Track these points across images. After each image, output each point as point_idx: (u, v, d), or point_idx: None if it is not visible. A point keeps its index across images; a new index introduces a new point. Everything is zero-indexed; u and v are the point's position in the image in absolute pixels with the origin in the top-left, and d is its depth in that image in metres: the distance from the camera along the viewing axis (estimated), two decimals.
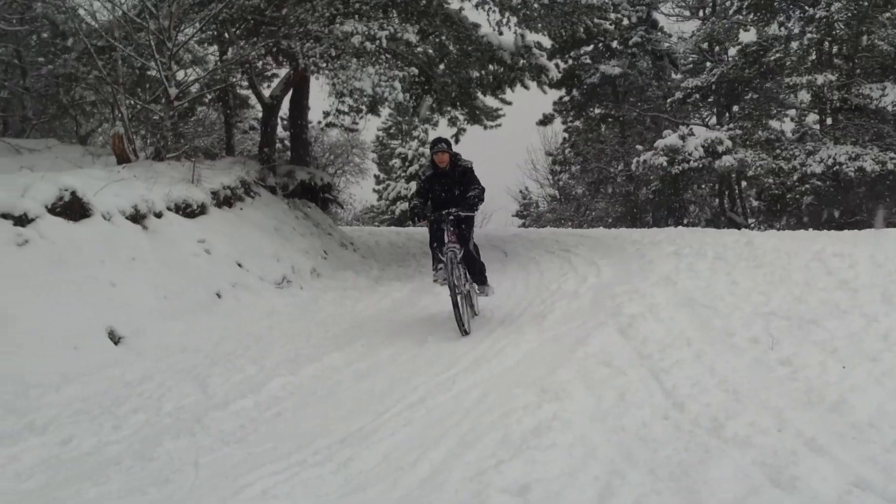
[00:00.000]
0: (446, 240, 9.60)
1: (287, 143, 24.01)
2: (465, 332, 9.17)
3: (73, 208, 10.18)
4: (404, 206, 44.91)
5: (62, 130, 19.79)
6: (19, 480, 5.38)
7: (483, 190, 9.74)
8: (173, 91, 14.99)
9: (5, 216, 9.30)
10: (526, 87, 18.85)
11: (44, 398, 7.12)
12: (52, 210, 9.90)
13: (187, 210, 12.80)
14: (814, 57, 27.97)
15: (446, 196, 9.86)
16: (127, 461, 5.64)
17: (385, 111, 21.35)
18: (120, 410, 6.86)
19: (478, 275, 10.08)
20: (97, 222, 10.38)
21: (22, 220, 9.40)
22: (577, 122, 38.06)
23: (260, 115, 21.59)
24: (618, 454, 4.83)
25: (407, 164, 45.79)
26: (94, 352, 8.44)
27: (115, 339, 8.93)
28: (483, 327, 9.61)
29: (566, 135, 39.15)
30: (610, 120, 36.96)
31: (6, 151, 13.59)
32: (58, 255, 9.32)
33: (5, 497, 5.08)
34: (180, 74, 16.87)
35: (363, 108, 19.57)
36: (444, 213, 9.54)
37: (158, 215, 11.78)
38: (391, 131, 32.99)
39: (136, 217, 11.26)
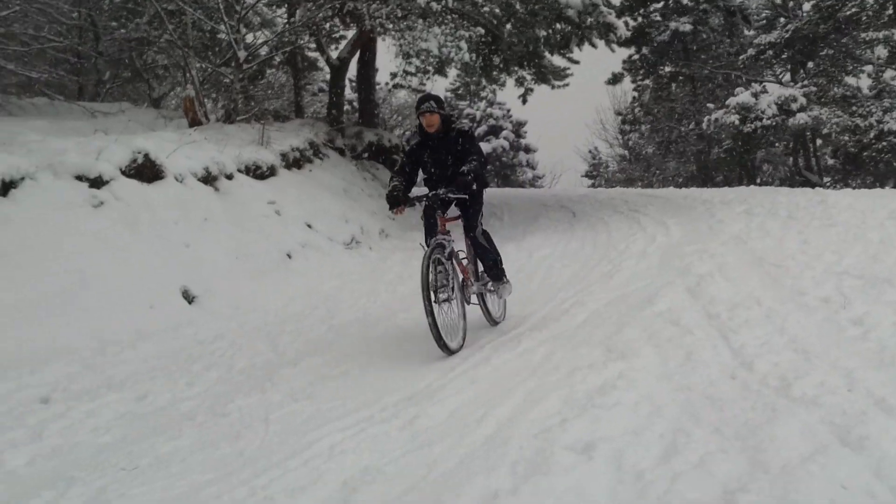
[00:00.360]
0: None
1: (355, 104, 24.13)
2: (449, 352, 6.86)
3: (146, 170, 10.40)
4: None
5: (135, 94, 20.11)
6: (97, 434, 5.56)
7: (482, 163, 7.56)
8: (242, 54, 15.14)
9: (81, 178, 9.54)
10: (594, 46, 18.61)
11: (121, 355, 7.35)
12: (126, 172, 10.12)
13: (257, 172, 12.98)
14: (891, 11, 27.18)
15: (438, 170, 7.76)
16: (200, 416, 5.79)
17: (452, 72, 21.22)
18: (194, 367, 7.05)
19: (491, 269, 7.96)
20: (170, 184, 10.59)
21: (97, 183, 9.64)
22: (646, 81, 37.46)
23: (328, 77, 21.68)
24: (683, 413, 4.80)
25: (475, 124, 45.78)
26: (168, 311, 8.68)
27: (188, 298, 9.14)
28: (550, 287, 9.59)
29: (636, 93, 38.60)
30: (681, 78, 36.32)
31: (81, 115, 13.89)
32: (132, 217, 9.54)
33: (84, 450, 5.25)
34: (249, 37, 17.04)
35: (430, 68, 19.60)
36: (431, 195, 7.49)
37: (229, 177, 11.96)
38: (459, 92, 32.92)
39: (208, 179, 11.46)
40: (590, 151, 49.39)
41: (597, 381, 5.48)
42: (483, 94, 26.20)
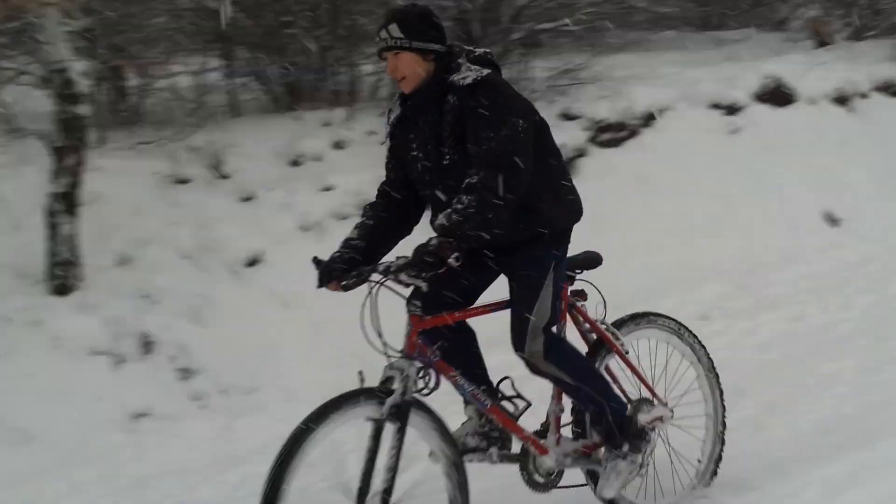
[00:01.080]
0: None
1: None
2: None
3: (777, 95, 10.39)
4: None
5: (759, 18, 20.05)
6: (759, 351, 5.75)
7: (508, 175, 2.95)
8: None
9: (716, 106, 9.87)
10: None
11: (769, 277, 7.44)
12: (758, 98, 10.23)
13: (890, 90, 12.29)
14: None
15: (434, 174, 3.26)
16: (860, 339, 5.66)
17: None
18: (846, 290, 6.92)
19: (597, 420, 3.47)
20: (801, 107, 10.47)
21: (731, 110, 9.88)
22: None
23: None
24: None
25: None
26: (812, 233, 8.59)
27: (831, 221, 9.02)
28: None
29: None
30: None
31: (707, 44, 14.20)
32: (767, 141, 9.62)
33: (748, 365, 5.46)
34: None
35: None
36: (381, 268, 3.01)
37: (863, 97, 11.47)
38: None
39: (840, 100, 11.11)
40: None
41: None
42: None
